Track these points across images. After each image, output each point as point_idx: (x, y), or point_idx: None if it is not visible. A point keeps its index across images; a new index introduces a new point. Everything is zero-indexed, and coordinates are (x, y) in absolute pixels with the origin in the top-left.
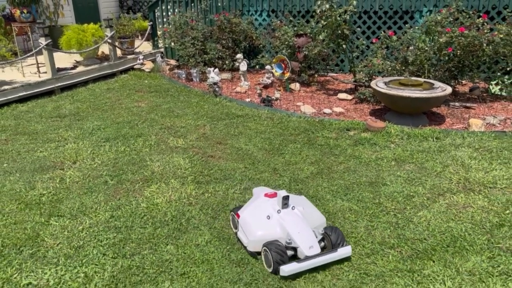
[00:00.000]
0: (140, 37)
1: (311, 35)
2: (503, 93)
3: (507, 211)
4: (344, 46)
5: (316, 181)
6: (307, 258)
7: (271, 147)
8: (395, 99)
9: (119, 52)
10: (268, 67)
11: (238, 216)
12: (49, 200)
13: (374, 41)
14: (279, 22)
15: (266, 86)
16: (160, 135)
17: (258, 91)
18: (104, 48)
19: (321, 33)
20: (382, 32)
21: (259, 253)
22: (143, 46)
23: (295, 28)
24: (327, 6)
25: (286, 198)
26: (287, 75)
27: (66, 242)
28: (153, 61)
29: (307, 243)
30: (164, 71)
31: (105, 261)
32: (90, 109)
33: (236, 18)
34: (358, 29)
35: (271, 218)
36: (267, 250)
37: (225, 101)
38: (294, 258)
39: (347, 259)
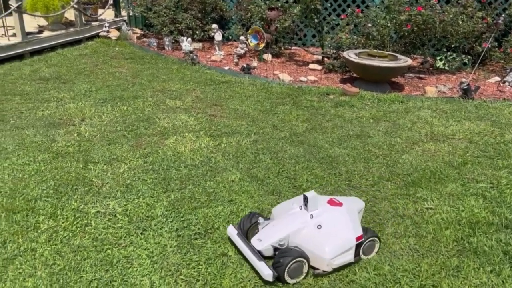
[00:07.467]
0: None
1: (282, 9)
2: (446, 67)
3: (467, 154)
4: (316, 20)
5: (312, 135)
6: (248, 243)
7: (263, 108)
8: (366, 68)
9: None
10: (242, 37)
11: None
12: (76, 150)
13: (343, 17)
14: None
15: (240, 56)
16: (156, 97)
17: (235, 60)
18: (67, 14)
19: (296, 7)
20: (348, 9)
21: None
22: (106, 13)
23: (267, 2)
24: None
25: (305, 200)
26: (262, 45)
27: (113, 182)
28: (118, 29)
29: (262, 236)
30: (132, 39)
31: (158, 194)
32: (71, 73)
33: None
34: (328, 5)
35: (291, 208)
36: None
37: (204, 69)
38: None
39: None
